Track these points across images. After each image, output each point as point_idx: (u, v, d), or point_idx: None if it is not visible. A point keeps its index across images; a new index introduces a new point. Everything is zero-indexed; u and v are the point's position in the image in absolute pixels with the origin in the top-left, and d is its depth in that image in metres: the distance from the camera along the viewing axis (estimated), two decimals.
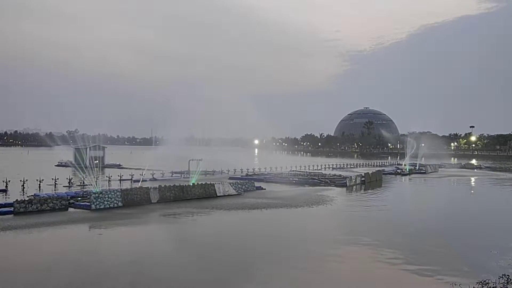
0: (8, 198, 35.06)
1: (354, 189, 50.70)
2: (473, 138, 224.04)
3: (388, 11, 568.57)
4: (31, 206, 29.72)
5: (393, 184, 59.50)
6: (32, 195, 35.16)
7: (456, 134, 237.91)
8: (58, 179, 45.09)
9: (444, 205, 41.53)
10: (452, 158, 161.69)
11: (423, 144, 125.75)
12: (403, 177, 72.17)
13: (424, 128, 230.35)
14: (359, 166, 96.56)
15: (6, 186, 40.54)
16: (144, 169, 56.03)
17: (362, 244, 22.47)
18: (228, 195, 40.79)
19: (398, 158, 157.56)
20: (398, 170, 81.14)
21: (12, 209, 29.17)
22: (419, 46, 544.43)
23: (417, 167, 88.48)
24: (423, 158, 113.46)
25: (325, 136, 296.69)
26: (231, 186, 42.43)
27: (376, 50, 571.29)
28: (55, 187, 42.49)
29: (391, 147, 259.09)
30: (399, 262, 19.25)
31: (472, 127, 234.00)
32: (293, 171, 70.31)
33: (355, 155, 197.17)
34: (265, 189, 46.68)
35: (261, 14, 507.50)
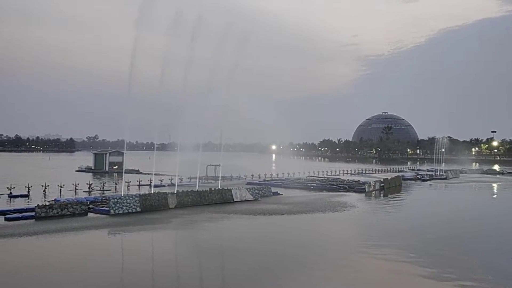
0: (30, 203, 35.61)
1: (373, 195, 50.12)
2: (495, 143, 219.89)
3: (407, 15, 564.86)
4: (52, 211, 30.16)
5: (413, 190, 58.61)
6: (52, 200, 35.68)
7: (477, 139, 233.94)
8: (78, 184, 45.71)
9: (466, 211, 40.68)
10: (474, 164, 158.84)
11: (443, 150, 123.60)
12: (423, 183, 71.04)
13: (444, 133, 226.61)
14: (378, 171, 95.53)
15: (28, 191, 41.23)
16: (162, 175, 56.44)
17: (383, 251, 22.08)
18: (245, 200, 40.75)
19: (418, 163, 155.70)
20: (418, 176, 79.97)
21: (33, 213, 29.62)
22: (439, 50, 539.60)
23: (437, 173, 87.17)
24: (443, 164, 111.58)
25: (343, 141, 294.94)
26: (248, 191, 42.39)
27: (394, 55, 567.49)
28: (75, 192, 43.08)
29: (410, 152, 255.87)
30: (420, 269, 18.84)
31: (494, 132, 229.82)
32: (310, 176, 69.97)
33: (374, 161, 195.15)
34: (282, 194, 46.51)
35: (278, 19, 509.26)
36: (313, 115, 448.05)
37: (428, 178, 78.64)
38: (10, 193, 40.16)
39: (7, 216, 29.04)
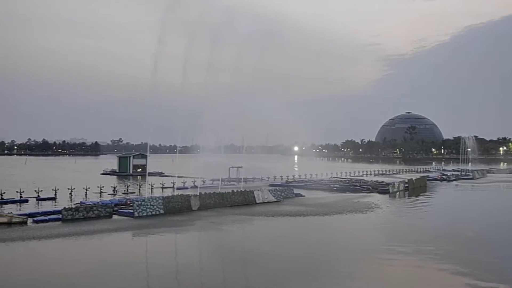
0: (57, 205, 36.37)
1: (397, 196, 49.37)
2: None
3: (430, 13, 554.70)
4: (77, 214, 30.74)
5: (439, 191, 57.46)
6: (78, 203, 36.36)
7: (505, 138, 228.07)
8: (103, 187, 46.47)
9: (493, 212, 39.67)
10: (501, 163, 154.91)
11: (469, 149, 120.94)
12: (449, 183, 69.57)
13: (469, 132, 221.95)
14: (402, 172, 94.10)
15: (55, 194, 42.11)
16: (185, 177, 56.92)
17: (409, 253, 21.71)
18: (267, 202, 40.70)
19: (443, 163, 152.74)
20: (443, 176, 78.39)
21: (60, 216, 30.25)
22: (463, 48, 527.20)
23: (463, 173, 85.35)
24: (469, 164, 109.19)
25: (366, 142, 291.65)
26: (270, 193, 42.33)
27: (417, 53, 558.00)
28: (100, 195, 43.80)
29: (435, 152, 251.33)
30: (451, 272, 18.43)
31: None
32: (333, 177, 69.43)
33: (398, 161, 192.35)
34: (304, 196, 46.27)
35: (300, 21, 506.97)
36: (335, 116, 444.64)
37: (454, 178, 77.02)
38: (38, 196, 41.11)
39: (35, 218, 29.76)
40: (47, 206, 36.49)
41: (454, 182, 71.62)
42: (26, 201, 39.43)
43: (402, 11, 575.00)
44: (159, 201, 33.77)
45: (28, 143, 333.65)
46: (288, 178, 65.55)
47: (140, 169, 78.82)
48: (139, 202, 32.80)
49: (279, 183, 58.44)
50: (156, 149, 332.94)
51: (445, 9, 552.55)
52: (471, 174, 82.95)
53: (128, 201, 37.33)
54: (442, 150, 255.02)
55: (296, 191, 47.28)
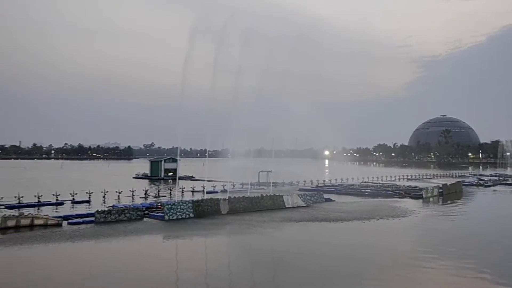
0: (91, 208, 37.25)
1: (431, 201, 48.05)
2: None
3: (466, 13, 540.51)
4: (110, 216, 31.36)
5: (475, 197, 55.55)
6: (111, 206, 37.11)
7: None
8: (135, 190, 47.30)
9: None
10: None
11: (508, 153, 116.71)
12: (486, 189, 67.19)
13: (508, 136, 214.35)
14: (436, 177, 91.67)
15: (89, 197, 43.17)
16: (215, 181, 57.27)
17: (445, 260, 21.01)
18: (297, 206, 40.39)
19: (480, 168, 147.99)
20: (480, 181, 75.81)
21: (93, 218, 30.94)
22: (501, 48, 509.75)
23: (502, 178, 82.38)
24: (508, 168, 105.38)
25: (399, 145, 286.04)
26: (300, 198, 42.01)
27: (452, 55, 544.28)
28: (132, 198, 44.58)
29: (471, 156, 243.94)
30: (490, 281, 17.72)
31: None
32: (365, 182, 68.32)
33: (432, 165, 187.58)
34: (334, 200, 45.67)
35: (331, 24, 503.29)
36: (367, 119, 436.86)
37: (491, 183, 74.33)
38: (73, 199, 42.25)
39: (69, 221, 30.57)
40: (81, 209, 37.41)
41: (492, 188, 69.12)
42: (61, 203, 40.58)
43: (436, 12, 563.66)
44: (189, 204, 34.04)
45: (64, 147, 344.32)
46: (318, 183, 64.95)
47: (171, 173, 79.83)
48: (170, 206, 33.16)
49: (309, 188, 57.95)
50: (187, 153, 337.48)
51: (481, 8, 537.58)
52: (510, 180, 79.91)
53: (159, 204, 37.83)
54: (479, 154, 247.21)
55: (326, 196, 46.74)
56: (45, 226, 28.75)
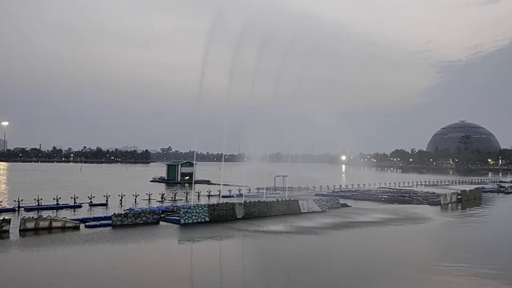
0: (108, 211, 37.71)
1: (449, 208, 47.30)
2: None
3: (487, 17, 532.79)
4: (126, 220, 31.69)
5: (495, 203, 54.47)
6: (127, 209, 37.49)
7: None
8: (151, 194, 47.70)
9: None
10: None
11: None
12: (507, 196, 65.83)
13: None
14: (455, 183, 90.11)
15: (107, 200, 43.71)
16: (231, 185, 57.39)
17: (463, 269, 20.64)
18: (312, 211, 40.19)
19: (500, 174, 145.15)
20: (500, 188, 74.29)
21: (110, 221, 31.31)
22: None
23: None
24: None
25: (417, 151, 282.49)
26: (315, 203, 41.80)
27: (473, 60, 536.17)
28: (148, 202, 44.96)
29: (491, 162, 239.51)
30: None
31: None
32: (381, 188, 67.61)
33: (451, 172, 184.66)
34: (350, 206, 45.31)
35: (350, 28, 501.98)
36: (384, 124, 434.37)
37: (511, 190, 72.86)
38: (91, 202, 42.81)
39: (87, 223, 31.00)
40: (98, 212, 37.91)
41: None
42: (79, 206, 41.17)
43: (456, 17, 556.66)
44: (205, 208, 34.18)
45: (83, 150, 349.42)
46: (334, 188, 64.54)
47: (188, 177, 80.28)
48: (185, 209, 33.35)
49: (325, 193, 57.62)
50: (204, 157, 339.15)
51: (503, 12, 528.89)
52: None
53: (175, 208, 38.07)
54: (500, 160, 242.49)
55: (342, 201, 46.42)
56: (63, 228, 29.21)
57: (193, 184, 52.24)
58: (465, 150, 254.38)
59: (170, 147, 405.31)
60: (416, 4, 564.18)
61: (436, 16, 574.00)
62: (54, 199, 41.35)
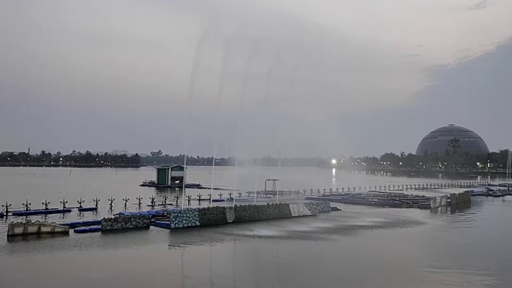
0: (98, 216, 37.39)
1: (439, 211, 47.64)
2: None
3: (475, 23, 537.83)
4: (116, 224, 31.44)
5: (484, 207, 54.99)
6: (117, 214, 37.24)
7: None
8: (141, 198, 47.42)
9: None
10: None
11: None
12: (495, 199, 66.53)
13: None
14: (444, 186, 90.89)
15: (96, 205, 43.37)
16: (222, 189, 57.27)
17: (456, 273, 20.80)
18: (303, 215, 40.25)
19: (489, 178, 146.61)
20: (489, 191, 75.10)
21: (100, 226, 31.04)
22: (511, 57, 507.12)
23: (511, 188, 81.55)
24: None
25: (406, 155, 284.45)
26: (306, 207, 41.87)
27: (462, 64, 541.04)
28: (139, 206, 44.69)
29: (480, 166, 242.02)
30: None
31: None
32: (372, 191, 67.94)
33: (440, 175, 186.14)
34: (341, 210, 45.47)
35: (340, 31, 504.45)
36: (374, 128, 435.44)
37: (500, 193, 73.61)
38: (80, 206, 42.47)
39: (76, 228, 30.71)
40: (88, 217, 37.57)
41: (501, 198, 68.45)
42: (69, 211, 40.81)
43: (445, 21, 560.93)
44: (195, 213, 34.06)
45: (72, 155, 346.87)
46: (325, 192, 64.71)
47: (178, 181, 79.99)
48: (176, 214, 33.21)
49: (316, 197, 57.76)
50: (194, 161, 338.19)
51: (490, 18, 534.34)
52: None
53: (165, 212, 37.89)
54: (488, 164, 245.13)
55: (332, 205, 46.59)
56: (52, 233, 28.88)
57: (183, 188, 52.08)
58: (454, 153, 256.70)
59: (160, 151, 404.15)
60: (406, 9, 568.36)
61: (425, 20, 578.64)
62: (43, 203, 40.91)
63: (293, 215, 39.73)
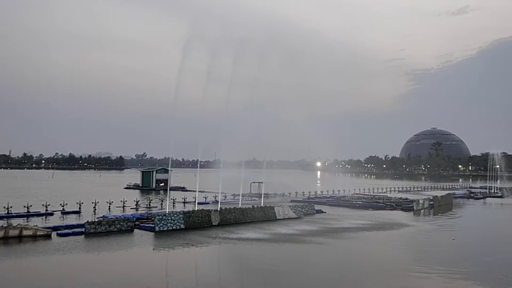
0: (81, 219, 36.94)
1: (422, 214, 48.28)
2: None
3: (457, 28, 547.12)
4: (100, 227, 31.11)
5: (465, 209, 55.91)
6: (101, 217, 36.86)
7: None
8: (126, 201, 47.00)
9: None
10: None
11: (497, 166, 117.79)
12: (476, 201, 67.68)
13: (498, 149, 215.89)
14: (427, 189, 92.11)
15: (80, 208, 42.82)
16: (207, 192, 57.10)
17: (438, 275, 21.08)
18: (288, 218, 40.39)
19: (470, 180, 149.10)
20: (470, 194, 76.38)
21: (83, 229, 30.68)
22: (492, 62, 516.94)
23: (491, 190, 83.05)
24: (498, 181, 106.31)
25: (390, 158, 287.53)
26: (291, 209, 42.03)
27: (444, 68, 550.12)
28: (123, 209, 44.29)
29: (462, 169, 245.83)
30: None
31: None
32: (356, 194, 68.47)
33: (423, 178, 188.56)
34: (325, 212, 45.74)
35: (324, 35, 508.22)
36: (359, 131, 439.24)
37: (481, 196, 74.95)
38: (63, 209, 41.86)
39: (59, 232, 30.29)
40: (71, 220, 37.11)
41: (482, 200, 69.67)
42: (51, 214, 40.21)
43: (429, 26, 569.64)
44: (180, 216, 33.91)
45: (55, 157, 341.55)
46: (309, 194, 65.02)
47: (163, 184, 79.51)
48: (160, 217, 33.01)
49: (301, 199, 57.98)
50: (179, 164, 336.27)
51: (472, 23, 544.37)
52: (500, 192, 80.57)
53: (150, 215, 37.63)
54: (469, 166, 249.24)
55: (317, 207, 46.84)
56: (34, 237, 28.45)
57: (168, 191, 51.70)
58: (437, 156, 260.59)
59: (145, 153, 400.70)
60: (390, 13, 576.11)
61: (409, 25, 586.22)
62: (24, 206, 40.20)
63: (278, 217, 39.83)
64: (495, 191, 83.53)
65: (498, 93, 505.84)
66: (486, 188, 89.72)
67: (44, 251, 24.78)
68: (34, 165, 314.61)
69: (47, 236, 28.84)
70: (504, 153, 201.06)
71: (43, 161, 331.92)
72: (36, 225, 31.20)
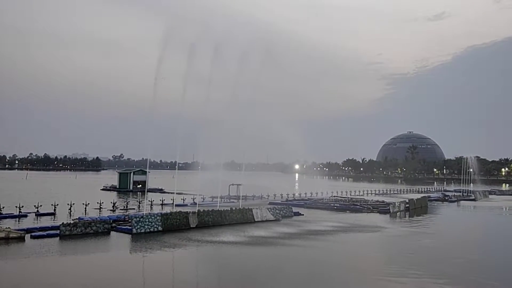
0: (56, 221, 36.26)
1: (398, 216, 49.10)
2: None
3: (433, 33, 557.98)
4: (76, 229, 30.63)
5: (440, 212, 57.09)
6: (77, 219, 36.28)
7: (507, 159, 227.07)
8: (102, 203, 46.37)
9: (496, 235, 39.38)
10: (504, 184, 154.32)
11: (471, 170, 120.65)
12: (451, 204, 69.22)
13: (471, 153, 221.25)
14: (403, 192, 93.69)
15: (55, 210, 42.02)
16: (185, 194, 56.82)
17: (411, 277, 21.49)
18: (266, 220, 40.54)
19: (445, 183, 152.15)
20: (445, 197, 78.08)
21: (58, 232, 30.12)
22: (466, 67, 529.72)
23: (465, 193, 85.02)
24: (471, 184, 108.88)
25: (367, 161, 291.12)
26: (269, 211, 42.19)
27: (420, 73, 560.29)
28: (99, 211, 43.68)
29: (436, 172, 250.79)
30: None
31: None
32: (334, 196, 69.12)
33: (399, 181, 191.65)
34: (303, 215, 46.08)
35: (301, 39, 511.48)
36: (336, 134, 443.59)
37: (455, 199, 76.65)
38: (37, 211, 41.01)
39: (33, 234, 29.65)
40: (46, 222, 36.38)
41: (456, 203, 71.25)
42: (25, 216, 39.36)
43: (405, 31, 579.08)
44: (158, 218, 33.66)
45: (29, 157, 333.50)
46: (288, 197, 65.34)
47: (140, 185, 78.73)
48: (138, 219, 32.70)
49: (279, 202, 58.22)
50: (157, 166, 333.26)
51: (447, 29, 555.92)
52: (473, 195, 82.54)
53: (127, 217, 37.23)
54: (444, 170, 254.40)
55: (295, 209, 47.14)
56: (6, 239, 27.78)
57: (145, 192, 51.31)
58: (412, 159, 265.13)
59: (122, 154, 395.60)
60: (368, 18, 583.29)
61: (386, 29, 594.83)
62: None
63: (256, 220, 39.93)
64: (469, 194, 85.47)
65: (471, 98, 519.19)
66: (460, 191, 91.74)
67: (17, 254, 24.29)
68: (7, 166, 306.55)
69: (20, 239, 28.22)
70: (477, 157, 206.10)
71: (17, 162, 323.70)
72: (9, 227, 30.45)
